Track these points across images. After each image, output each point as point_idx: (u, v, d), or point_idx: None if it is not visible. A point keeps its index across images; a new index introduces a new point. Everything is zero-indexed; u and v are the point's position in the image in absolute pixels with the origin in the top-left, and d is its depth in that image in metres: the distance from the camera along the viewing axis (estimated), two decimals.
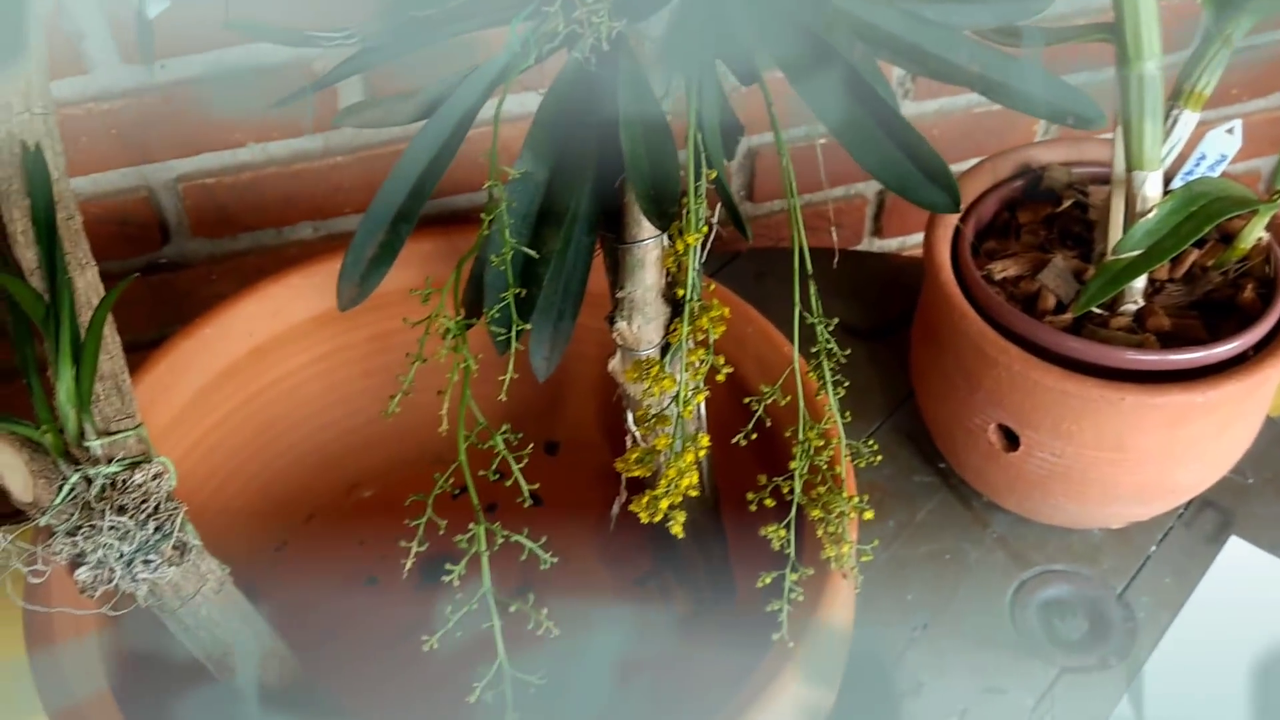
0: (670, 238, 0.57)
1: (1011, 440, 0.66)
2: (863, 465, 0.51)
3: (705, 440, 0.46)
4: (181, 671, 0.60)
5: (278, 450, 0.73)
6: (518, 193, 0.52)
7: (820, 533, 0.49)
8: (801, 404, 0.47)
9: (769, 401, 0.50)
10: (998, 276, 0.66)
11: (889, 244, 1.09)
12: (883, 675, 0.67)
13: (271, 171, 0.85)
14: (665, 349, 0.61)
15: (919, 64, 0.51)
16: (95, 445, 0.56)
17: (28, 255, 0.57)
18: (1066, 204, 0.69)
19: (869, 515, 0.51)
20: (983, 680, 0.66)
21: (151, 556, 0.57)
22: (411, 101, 0.54)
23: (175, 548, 0.58)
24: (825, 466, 0.48)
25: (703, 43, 0.49)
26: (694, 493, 0.46)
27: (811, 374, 0.49)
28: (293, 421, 0.73)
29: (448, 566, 0.51)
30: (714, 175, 0.45)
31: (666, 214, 0.44)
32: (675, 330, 0.45)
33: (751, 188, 0.99)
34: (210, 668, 0.60)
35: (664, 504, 0.45)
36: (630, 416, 0.63)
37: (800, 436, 0.47)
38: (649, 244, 0.58)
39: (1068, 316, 0.64)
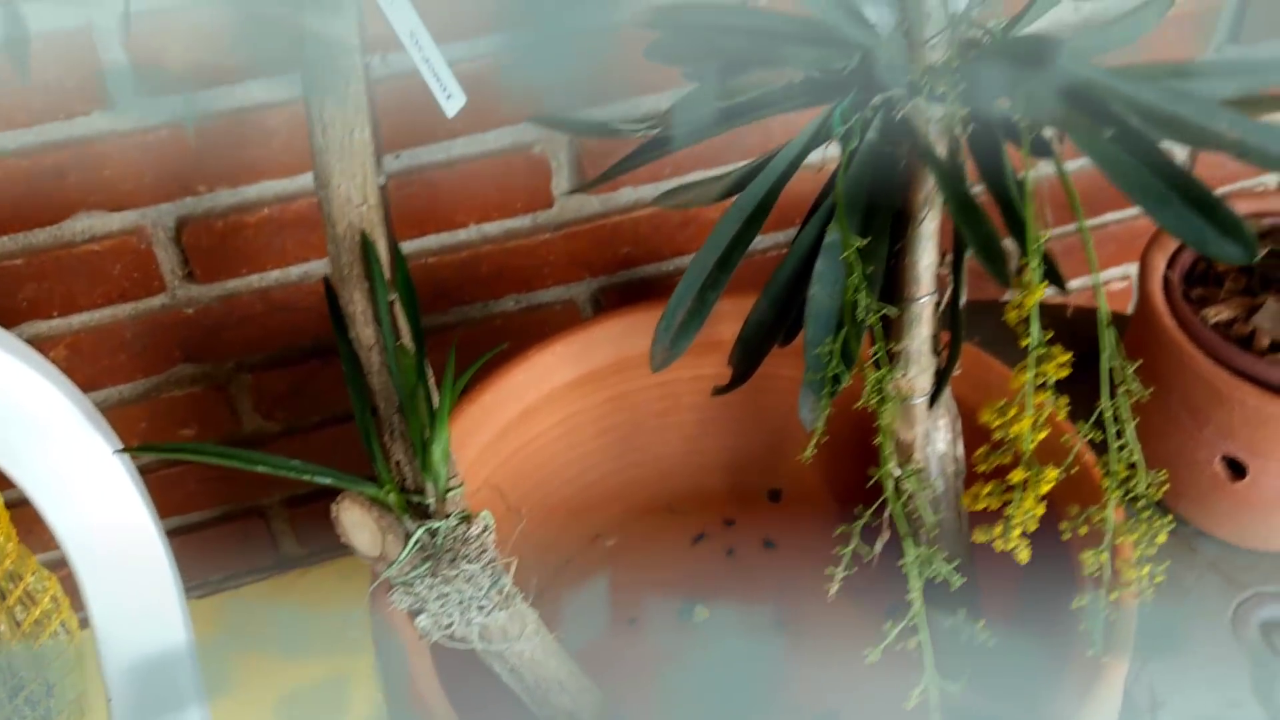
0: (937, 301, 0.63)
1: (1236, 471, 0.71)
2: (1156, 496, 0.56)
3: (1053, 473, 0.51)
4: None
5: (530, 505, 0.78)
6: (828, 259, 0.58)
7: (1131, 556, 0.55)
8: (1126, 437, 0.52)
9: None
10: (1212, 321, 0.72)
11: None
12: (1123, 693, 0.72)
13: (487, 249, 0.91)
14: (934, 397, 0.67)
15: (1179, 133, 0.57)
16: (432, 502, 0.62)
17: (366, 332, 0.63)
18: (1263, 252, 0.75)
19: (1162, 538, 0.56)
20: (1221, 694, 0.71)
21: (484, 602, 0.62)
22: (721, 182, 0.61)
23: (499, 592, 0.63)
24: (1143, 495, 0.53)
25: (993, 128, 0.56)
26: (1033, 526, 0.51)
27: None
28: (540, 478, 0.79)
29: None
30: (1046, 236, 0.51)
31: (1003, 273, 0.50)
32: (1019, 375, 0.51)
33: None
34: (532, 707, 0.65)
35: (1016, 532, 0.50)
36: (893, 462, 0.68)
37: (1111, 468, 0.53)
38: (925, 301, 0.64)
39: None
